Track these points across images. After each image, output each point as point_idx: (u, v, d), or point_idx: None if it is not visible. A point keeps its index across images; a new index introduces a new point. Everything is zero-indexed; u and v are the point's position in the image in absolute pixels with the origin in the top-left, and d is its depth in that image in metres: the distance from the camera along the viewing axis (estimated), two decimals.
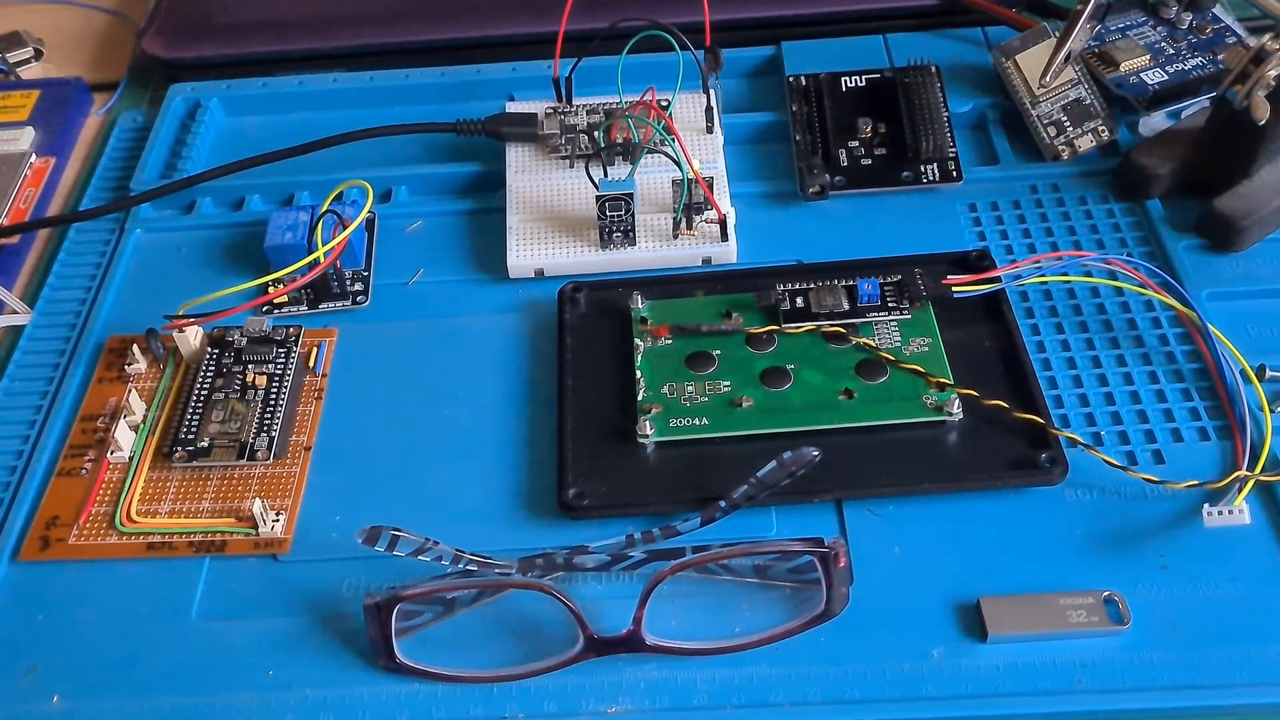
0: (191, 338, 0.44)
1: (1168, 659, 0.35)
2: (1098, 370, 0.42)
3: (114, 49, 0.63)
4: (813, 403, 0.41)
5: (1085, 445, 0.39)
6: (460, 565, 0.37)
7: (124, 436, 0.42)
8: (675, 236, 0.47)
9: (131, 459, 0.42)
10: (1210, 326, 0.42)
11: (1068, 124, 0.50)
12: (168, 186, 0.51)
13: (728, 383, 0.42)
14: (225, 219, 0.51)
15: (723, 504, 0.38)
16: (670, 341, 0.43)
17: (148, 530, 0.40)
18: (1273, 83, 0.43)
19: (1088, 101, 0.50)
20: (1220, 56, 0.50)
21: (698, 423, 0.41)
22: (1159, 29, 0.52)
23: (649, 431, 0.40)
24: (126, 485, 0.41)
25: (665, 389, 0.42)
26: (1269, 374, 0.41)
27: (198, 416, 0.42)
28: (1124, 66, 0.50)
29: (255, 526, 0.40)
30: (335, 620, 0.38)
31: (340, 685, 0.36)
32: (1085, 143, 0.50)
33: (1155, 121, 0.50)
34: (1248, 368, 0.41)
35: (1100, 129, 0.50)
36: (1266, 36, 0.43)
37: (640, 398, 0.42)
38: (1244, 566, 0.37)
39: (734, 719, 0.35)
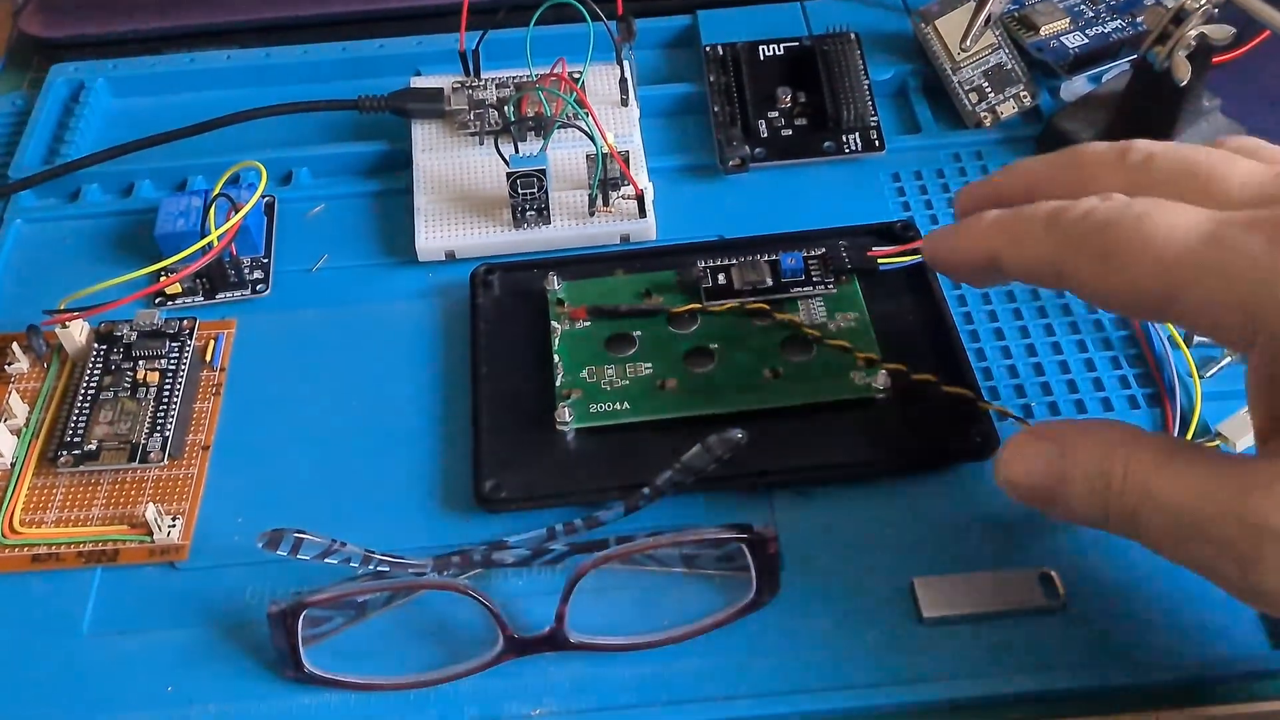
0: (77, 333, 0.41)
1: (1105, 634, 0.34)
2: (1025, 340, 0.42)
3: None
4: (738, 383, 0.39)
5: (1016, 418, 0.38)
6: (371, 566, 0.35)
7: (4, 442, 0.39)
8: (591, 214, 0.45)
9: (13, 466, 0.39)
10: None
11: (989, 90, 0.49)
12: (49, 172, 0.48)
13: (649, 365, 0.40)
14: (113, 206, 0.48)
15: (646, 491, 0.36)
16: (589, 324, 0.42)
17: (33, 542, 0.37)
18: (1193, 43, 0.42)
19: (1009, 67, 0.49)
20: (1140, 19, 0.49)
21: (619, 407, 0.39)
22: None
23: (568, 418, 0.39)
24: (8, 494, 0.38)
25: (584, 373, 0.40)
26: (1197, 339, 0.40)
27: (85, 418, 0.39)
28: (1044, 30, 0.50)
29: (150, 533, 0.37)
30: (239, 630, 0.35)
31: (246, 699, 0.34)
32: (1007, 109, 0.49)
33: (1077, 86, 0.49)
34: (1175, 334, 0.40)
35: (1022, 94, 0.49)
36: None
37: (558, 383, 0.40)
38: None
39: (663, 715, 0.33)
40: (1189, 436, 0.38)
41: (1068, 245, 0.30)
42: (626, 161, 0.44)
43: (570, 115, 0.46)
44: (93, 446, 0.39)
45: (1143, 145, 0.32)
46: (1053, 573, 0.35)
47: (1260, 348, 0.28)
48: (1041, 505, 0.32)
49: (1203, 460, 0.29)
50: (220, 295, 0.44)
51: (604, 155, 0.44)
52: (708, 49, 0.51)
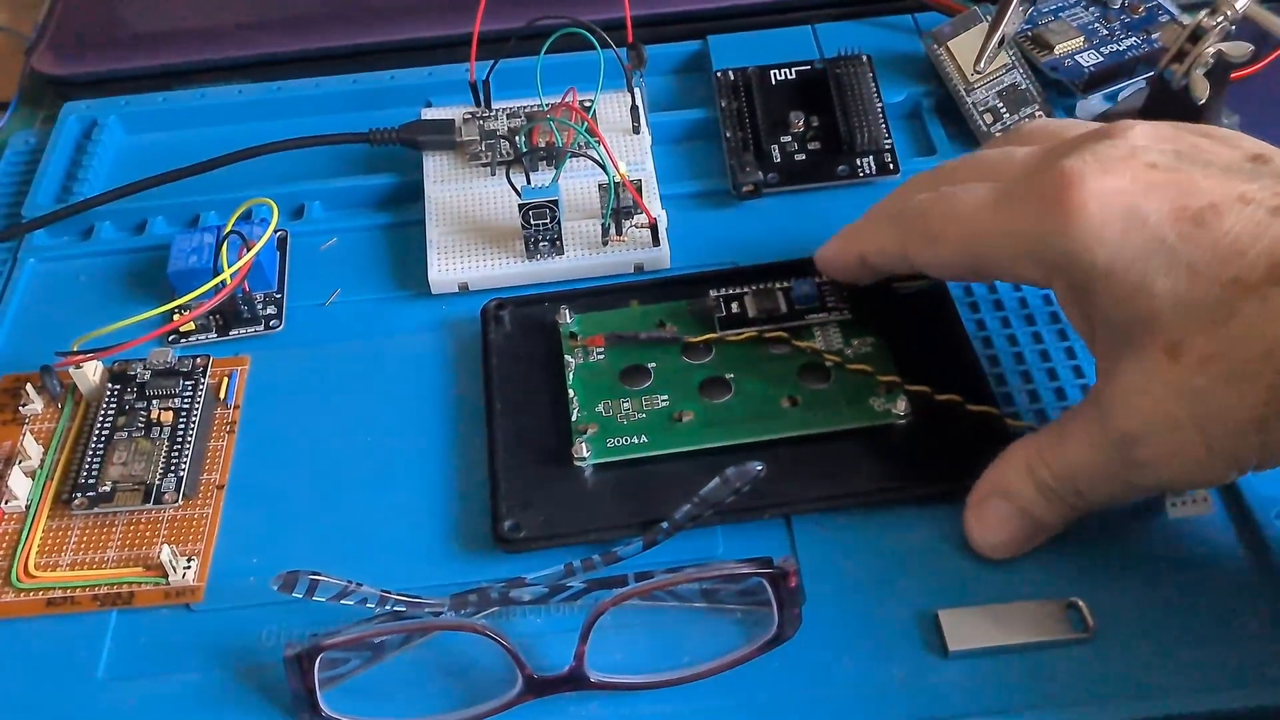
0: (90, 374, 0.41)
1: (1136, 664, 0.33)
2: (1046, 365, 0.41)
3: (2, 67, 0.59)
4: (755, 413, 0.39)
5: None
6: (387, 607, 0.34)
7: (19, 484, 0.39)
8: (604, 243, 0.45)
9: (28, 508, 0.39)
10: None
11: (1004, 110, 0.48)
12: (62, 211, 0.48)
13: (665, 397, 0.40)
14: (127, 244, 0.48)
15: (665, 525, 0.35)
16: (603, 355, 0.41)
17: (48, 585, 0.37)
18: (1210, 60, 0.42)
19: (1023, 86, 0.49)
20: (1155, 36, 0.49)
21: (636, 441, 0.38)
22: (1091, 10, 0.51)
23: (585, 454, 0.38)
24: (23, 537, 0.38)
25: (600, 407, 0.39)
26: None
27: (99, 459, 0.39)
28: (1058, 49, 0.49)
29: (165, 575, 0.37)
30: (255, 672, 0.35)
31: None
32: None
33: (1093, 104, 0.49)
34: None
35: (1037, 114, 0.48)
36: (1202, 13, 0.42)
37: (574, 418, 0.39)
38: (1209, 559, 0.35)
39: None
40: None
41: (906, 232, 0.37)
42: (639, 190, 0.44)
43: (581, 145, 0.45)
44: (107, 488, 0.38)
45: (948, 164, 0.39)
46: (1081, 602, 0.34)
47: (1057, 286, 0.34)
48: (1034, 544, 0.36)
49: (1077, 419, 0.34)
50: (234, 332, 0.44)
51: (616, 184, 0.44)
52: (719, 74, 0.51)
